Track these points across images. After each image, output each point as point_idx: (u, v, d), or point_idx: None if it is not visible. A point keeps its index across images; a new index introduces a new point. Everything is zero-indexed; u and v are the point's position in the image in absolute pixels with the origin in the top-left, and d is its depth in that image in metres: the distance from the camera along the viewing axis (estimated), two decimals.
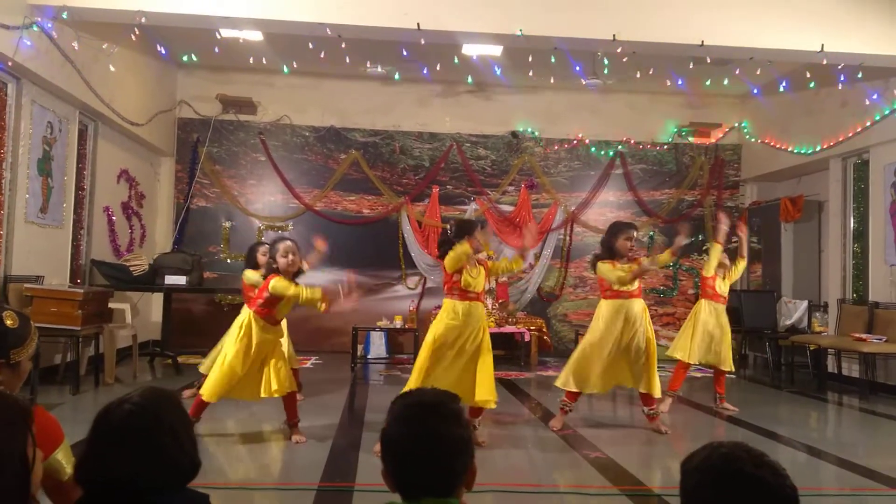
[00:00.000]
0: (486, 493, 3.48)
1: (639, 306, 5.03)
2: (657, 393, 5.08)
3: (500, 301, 9.04)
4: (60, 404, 5.45)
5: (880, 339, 6.96)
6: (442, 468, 1.43)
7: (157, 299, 8.49)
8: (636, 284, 5.05)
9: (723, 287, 6.14)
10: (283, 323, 5.08)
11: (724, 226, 5.79)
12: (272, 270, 4.45)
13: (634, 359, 4.99)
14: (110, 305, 6.57)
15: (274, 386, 4.52)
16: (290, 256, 4.42)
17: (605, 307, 5.08)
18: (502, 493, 3.64)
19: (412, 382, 4.38)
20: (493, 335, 8.36)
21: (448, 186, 9.91)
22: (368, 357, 8.84)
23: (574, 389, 5.07)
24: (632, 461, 4.43)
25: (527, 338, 8.64)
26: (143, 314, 8.56)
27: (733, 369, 6.13)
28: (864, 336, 7.10)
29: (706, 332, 5.96)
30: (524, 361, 8.67)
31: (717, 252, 6.00)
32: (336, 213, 9.73)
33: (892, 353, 7.01)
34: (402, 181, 9.87)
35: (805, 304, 8.69)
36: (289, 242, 4.51)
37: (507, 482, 3.87)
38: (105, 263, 7.52)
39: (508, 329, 8.56)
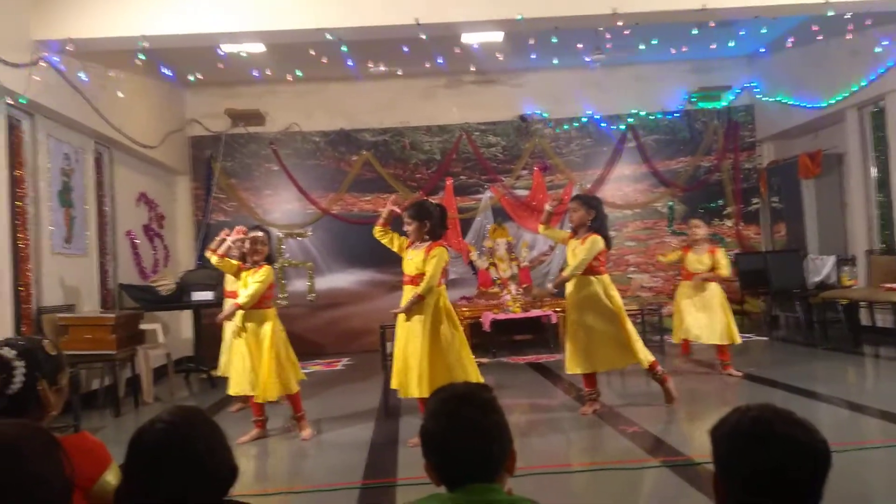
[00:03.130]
0: (527, 476, 3.51)
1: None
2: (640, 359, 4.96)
3: (524, 286, 9.05)
4: (103, 428, 5.57)
5: None
6: (482, 455, 1.46)
7: (187, 316, 8.62)
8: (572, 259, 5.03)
9: (697, 264, 6.18)
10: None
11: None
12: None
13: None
14: (142, 327, 6.68)
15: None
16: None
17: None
18: (543, 475, 3.67)
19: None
20: (520, 320, 8.49)
21: (461, 177, 9.92)
22: None
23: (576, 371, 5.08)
24: (669, 433, 4.44)
25: (553, 320, 8.63)
26: (174, 332, 8.69)
27: (728, 342, 6.12)
28: (895, 286, 7.00)
29: (682, 312, 6.36)
30: (553, 344, 8.67)
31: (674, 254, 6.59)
32: (353, 214, 9.79)
33: None
34: (416, 176, 9.90)
35: (832, 259, 8.57)
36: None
37: (546, 464, 3.90)
38: (133, 286, 7.64)
39: (534, 313, 8.56)
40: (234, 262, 4.91)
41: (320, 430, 5.02)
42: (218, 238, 5.01)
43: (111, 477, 1.86)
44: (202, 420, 1.56)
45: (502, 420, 1.53)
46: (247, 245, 4.81)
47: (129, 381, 6.68)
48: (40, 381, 1.87)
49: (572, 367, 5.04)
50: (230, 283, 5.76)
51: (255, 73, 8.08)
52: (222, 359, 6.03)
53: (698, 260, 6.21)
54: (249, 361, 4.72)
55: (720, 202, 10.06)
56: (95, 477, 1.78)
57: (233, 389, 4.88)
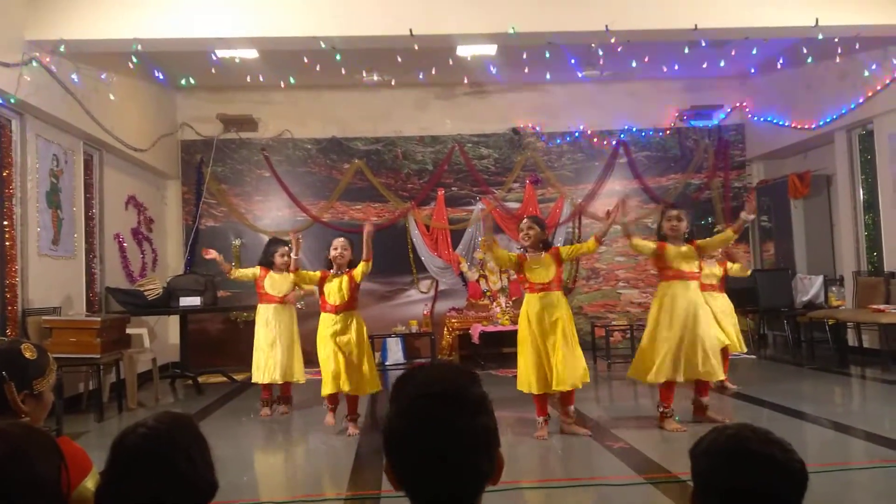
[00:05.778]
0: (512, 490, 3.49)
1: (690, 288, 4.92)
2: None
3: (514, 298, 9.05)
4: (86, 432, 5.51)
5: None
6: (462, 470, 1.14)
7: (174, 322, 8.55)
8: (686, 266, 4.92)
9: (709, 273, 6.27)
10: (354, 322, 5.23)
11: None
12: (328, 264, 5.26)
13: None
14: (128, 331, 6.62)
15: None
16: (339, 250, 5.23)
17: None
18: (528, 489, 3.65)
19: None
20: (509, 333, 8.48)
21: (453, 188, 9.94)
22: (387, 364, 8.87)
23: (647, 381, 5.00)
24: (655, 449, 4.43)
25: None
26: (160, 337, 8.63)
27: (732, 350, 6.21)
28: (882, 307, 7.05)
29: None
30: None
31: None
32: (343, 223, 9.76)
33: None
34: (407, 186, 9.90)
35: (820, 279, 8.64)
36: (341, 238, 5.32)
37: (532, 479, 3.88)
38: (120, 290, 7.58)
39: None
40: (311, 272, 5.40)
41: (307, 441, 4.98)
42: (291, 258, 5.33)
43: (91, 483, 1.83)
44: (187, 429, 1.52)
45: (490, 422, 1.19)
46: (335, 251, 5.20)
47: (114, 386, 6.61)
48: (7, 383, 1.83)
49: (659, 375, 4.82)
50: (270, 286, 6.15)
51: (248, 79, 8.08)
52: (262, 363, 6.02)
53: (710, 270, 6.33)
54: (344, 359, 5.02)
55: (710, 220, 10.12)
56: (76, 483, 1.75)
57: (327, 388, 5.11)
